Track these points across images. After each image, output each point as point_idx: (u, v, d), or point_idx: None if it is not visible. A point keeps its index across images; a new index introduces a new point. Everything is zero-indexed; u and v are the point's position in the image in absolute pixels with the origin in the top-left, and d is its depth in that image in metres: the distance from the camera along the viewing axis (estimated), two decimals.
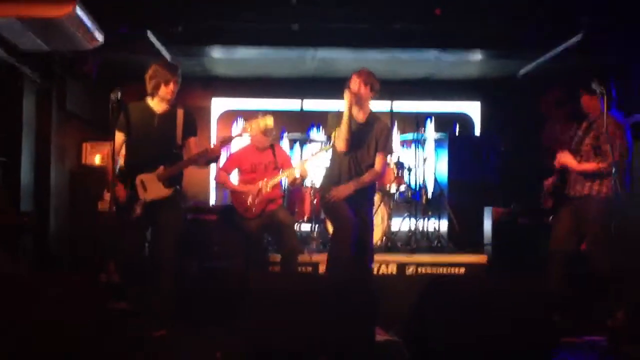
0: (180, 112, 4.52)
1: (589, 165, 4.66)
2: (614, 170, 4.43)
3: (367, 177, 4.74)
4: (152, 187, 4.39)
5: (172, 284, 4.40)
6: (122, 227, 4.44)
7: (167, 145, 4.45)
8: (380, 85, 4.74)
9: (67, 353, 3.29)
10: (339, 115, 4.69)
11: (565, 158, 4.77)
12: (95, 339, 3.48)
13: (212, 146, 4.47)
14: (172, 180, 4.44)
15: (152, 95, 4.45)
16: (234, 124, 8.14)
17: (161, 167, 4.39)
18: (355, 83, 4.66)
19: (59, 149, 6.69)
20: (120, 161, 4.52)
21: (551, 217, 5.04)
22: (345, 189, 4.65)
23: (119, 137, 4.46)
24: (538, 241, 5.64)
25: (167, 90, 4.40)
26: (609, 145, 4.45)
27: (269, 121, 4.87)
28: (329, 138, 4.92)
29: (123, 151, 4.51)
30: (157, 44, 6.24)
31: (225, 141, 4.71)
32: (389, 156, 5.00)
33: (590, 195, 4.66)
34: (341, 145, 4.66)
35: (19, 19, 5.02)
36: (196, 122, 4.65)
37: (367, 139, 4.75)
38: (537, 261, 5.36)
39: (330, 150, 4.96)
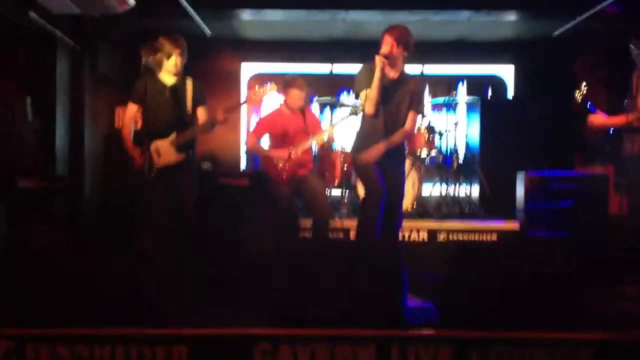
0: (189, 83, 4.75)
1: (618, 119, 4.54)
2: None
3: (397, 137, 4.60)
4: (165, 153, 4.69)
5: (190, 242, 4.71)
6: (144, 191, 4.77)
7: (179, 115, 4.71)
8: (414, 42, 4.54)
9: (100, 315, 3.39)
10: (368, 72, 4.51)
11: (592, 117, 4.65)
12: (128, 302, 3.59)
13: (217, 114, 4.67)
14: (184, 146, 4.71)
15: (159, 69, 4.70)
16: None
17: (174, 134, 4.67)
18: (387, 43, 4.46)
19: (93, 113, 6.77)
20: (137, 126, 4.83)
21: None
22: (376, 151, 4.54)
23: (133, 107, 4.76)
24: (572, 206, 5.60)
25: (170, 64, 4.65)
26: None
27: (272, 88, 4.93)
28: (357, 96, 4.75)
29: (136, 118, 4.82)
30: (187, 7, 6.23)
31: (230, 109, 4.89)
32: (419, 116, 4.86)
33: (632, 154, 4.54)
34: (370, 108, 4.52)
35: None
36: (205, 91, 4.85)
37: (399, 97, 4.60)
38: (572, 227, 5.34)
39: (361, 112, 4.86)
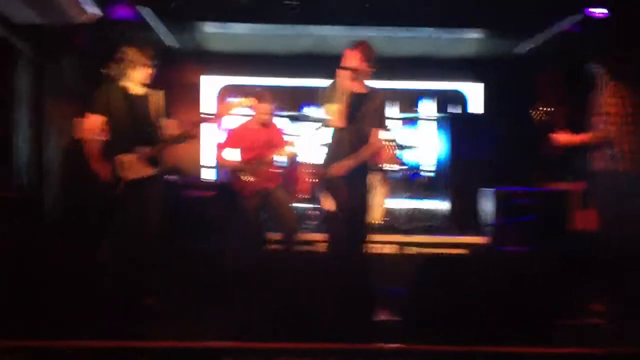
0: (157, 95, 4.58)
1: (580, 137, 4.57)
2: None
3: (365, 153, 4.59)
4: (133, 167, 4.47)
5: (158, 258, 4.50)
6: (110, 206, 4.53)
7: (146, 127, 4.52)
8: (377, 58, 4.55)
9: (61, 324, 3.31)
10: (334, 87, 4.51)
11: (560, 136, 4.73)
12: (90, 312, 3.52)
13: (189, 127, 4.58)
14: (152, 161, 4.51)
15: (127, 78, 4.49)
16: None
17: (142, 148, 4.46)
18: (353, 58, 4.48)
19: (53, 124, 6.63)
20: (100, 139, 4.56)
21: None
22: (344, 166, 4.56)
23: (95, 119, 4.49)
24: (538, 221, 5.70)
25: (140, 75, 4.48)
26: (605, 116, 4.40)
27: (248, 102, 4.84)
28: (323, 110, 4.66)
29: (99, 130, 4.54)
30: (151, 19, 6.17)
31: (201, 121, 4.85)
32: (385, 131, 4.91)
33: (598, 170, 4.55)
34: (336, 122, 4.52)
35: None
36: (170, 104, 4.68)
37: (365, 111, 4.58)
38: (537, 241, 5.40)
39: (327, 126, 4.85)
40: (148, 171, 4.50)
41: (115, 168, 4.46)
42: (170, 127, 4.62)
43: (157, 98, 4.58)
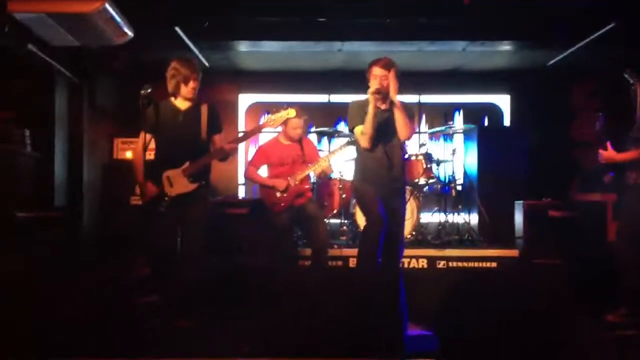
0: (204, 109, 4.53)
1: (629, 154, 4.54)
2: None
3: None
4: (177, 182, 4.43)
5: (199, 275, 4.45)
6: (152, 221, 4.50)
7: (192, 142, 4.48)
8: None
9: (97, 344, 3.35)
10: (359, 108, 4.55)
11: (605, 152, 4.67)
12: (125, 331, 3.56)
13: (230, 142, 4.52)
14: (197, 176, 4.46)
15: (174, 94, 4.48)
16: (261, 116, 8.15)
17: (186, 163, 4.43)
18: (377, 76, 4.48)
19: (91, 145, 6.81)
20: (151, 157, 4.57)
21: None
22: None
23: (145, 137, 4.46)
24: (569, 234, 5.60)
25: (187, 89, 4.43)
26: None
27: (292, 113, 4.76)
28: (351, 131, 4.75)
29: (152, 146, 4.53)
30: (185, 39, 6.28)
31: (243, 137, 4.87)
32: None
33: (633, 184, 4.55)
34: (366, 143, 4.53)
35: (49, 15, 5.08)
36: (220, 118, 4.65)
37: (393, 125, 4.58)
38: (569, 254, 5.30)
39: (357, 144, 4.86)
40: (192, 186, 4.45)
41: (162, 184, 4.44)
42: (217, 141, 4.57)
43: (204, 112, 4.53)
